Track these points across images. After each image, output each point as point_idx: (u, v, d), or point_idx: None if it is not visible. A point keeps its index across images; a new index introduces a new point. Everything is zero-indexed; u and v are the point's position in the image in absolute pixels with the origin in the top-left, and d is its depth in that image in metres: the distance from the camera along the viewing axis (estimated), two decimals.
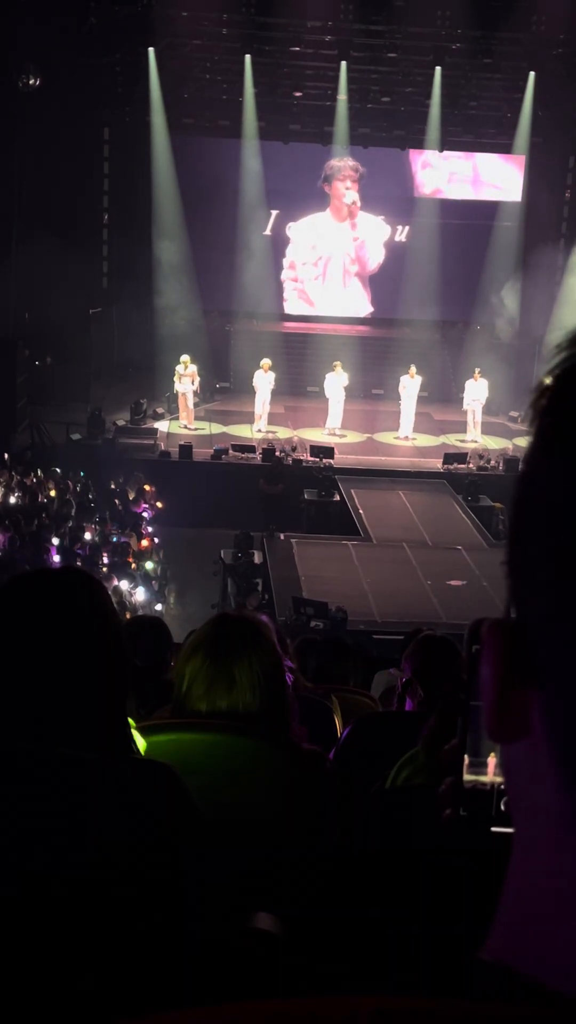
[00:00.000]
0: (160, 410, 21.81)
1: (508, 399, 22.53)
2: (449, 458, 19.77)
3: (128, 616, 9.98)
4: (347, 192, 25.12)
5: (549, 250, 24.35)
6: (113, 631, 1.71)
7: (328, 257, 25.66)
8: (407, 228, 25.47)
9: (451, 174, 25.40)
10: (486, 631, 0.57)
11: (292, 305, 25.81)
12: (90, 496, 17.23)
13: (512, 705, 0.55)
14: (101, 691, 1.66)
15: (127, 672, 1.73)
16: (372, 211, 25.43)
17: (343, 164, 24.81)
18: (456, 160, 25.30)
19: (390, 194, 25.17)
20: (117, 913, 1.39)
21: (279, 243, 25.40)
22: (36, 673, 1.62)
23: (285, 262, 25.56)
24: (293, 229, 25.40)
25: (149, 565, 14.98)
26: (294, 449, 20.04)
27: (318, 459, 19.35)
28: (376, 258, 25.71)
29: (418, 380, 21.25)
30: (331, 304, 25.84)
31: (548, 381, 0.55)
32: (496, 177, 25.44)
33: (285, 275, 25.67)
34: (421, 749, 2.45)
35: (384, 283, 25.47)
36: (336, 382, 21.16)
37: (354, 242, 25.60)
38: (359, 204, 25.32)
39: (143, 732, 2.06)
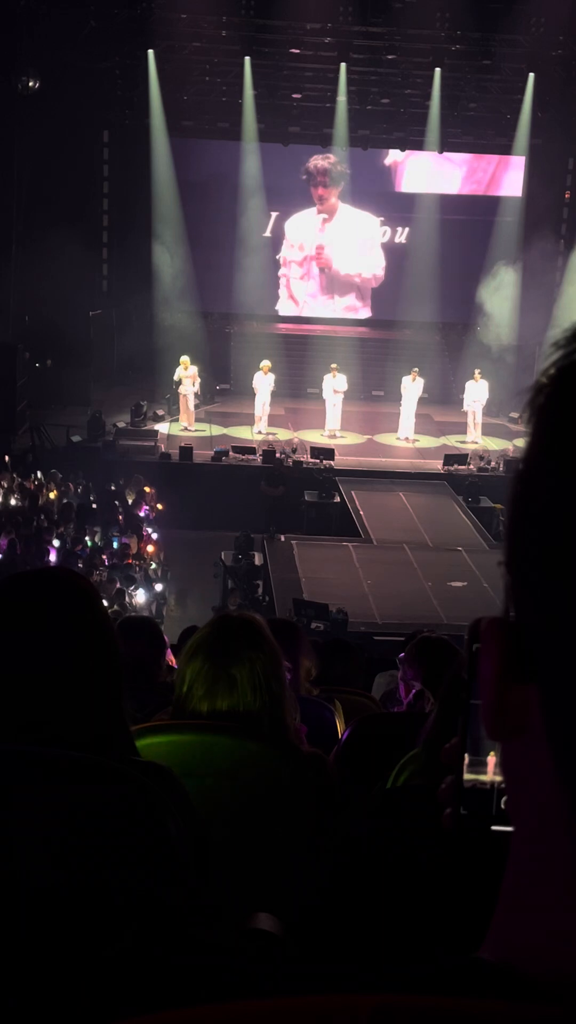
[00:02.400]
0: (160, 412, 21.82)
1: (508, 400, 22.51)
2: (449, 459, 19.77)
3: None
4: (320, 198, 25.09)
5: (549, 251, 24.35)
6: (103, 630, 1.70)
7: (314, 257, 25.61)
8: (407, 230, 25.45)
9: (448, 173, 25.37)
10: (485, 629, 0.57)
11: (282, 303, 25.70)
12: (91, 498, 17.24)
13: (511, 703, 0.55)
14: (93, 691, 1.65)
15: (119, 672, 1.72)
16: (370, 213, 25.41)
17: (314, 166, 24.68)
18: (454, 159, 25.29)
19: (387, 192, 25.16)
20: (116, 915, 1.39)
21: (278, 245, 25.41)
22: (27, 674, 1.62)
23: (279, 258, 25.52)
24: (287, 226, 25.36)
25: (150, 567, 14.98)
26: (294, 451, 20.04)
27: (318, 461, 19.36)
28: (374, 269, 25.56)
29: (420, 382, 21.25)
30: (319, 304, 25.74)
31: (545, 379, 0.54)
32: (495, 177, 25.46)
33: (280, 271, 25.61)
34: (421, 750, 2.46)
35: (384, 285, 25.46)
36: (331, 385, 21.14)
37: (332, 245, 25.49)
38: (336, 205, 25.23)
39: (143, 734, 2.06)
